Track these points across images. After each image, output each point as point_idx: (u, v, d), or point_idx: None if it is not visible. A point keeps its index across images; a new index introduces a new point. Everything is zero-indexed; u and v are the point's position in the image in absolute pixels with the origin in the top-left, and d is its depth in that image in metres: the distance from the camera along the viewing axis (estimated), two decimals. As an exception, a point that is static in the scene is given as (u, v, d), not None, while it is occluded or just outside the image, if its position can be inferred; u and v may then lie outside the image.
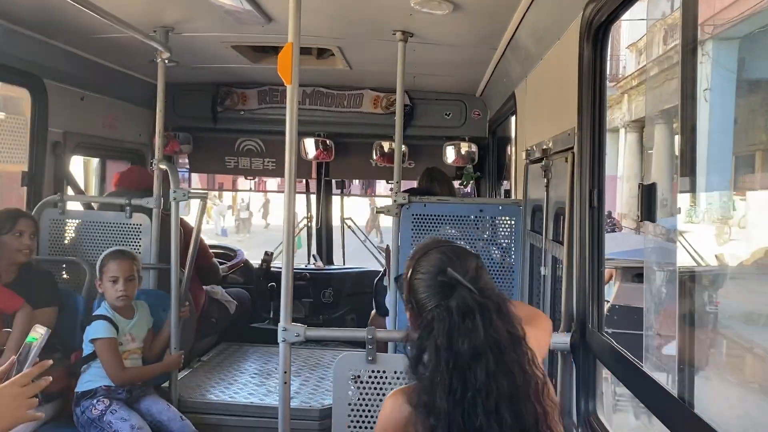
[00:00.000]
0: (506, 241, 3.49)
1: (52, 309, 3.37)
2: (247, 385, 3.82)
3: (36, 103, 3.86)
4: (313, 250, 6.02)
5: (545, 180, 2.77)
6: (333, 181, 5.96)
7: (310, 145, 5.43)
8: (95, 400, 3.01)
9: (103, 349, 3.07)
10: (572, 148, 2.26)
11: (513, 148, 4.33)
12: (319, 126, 5.35)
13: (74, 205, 3.96)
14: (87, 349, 3.15)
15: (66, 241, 3.83)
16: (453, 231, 3.50)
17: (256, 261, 5.68)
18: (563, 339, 2.22)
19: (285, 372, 2.28)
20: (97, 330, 3.09)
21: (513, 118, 4.22)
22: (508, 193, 4.82)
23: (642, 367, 1.79)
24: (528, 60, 3.27)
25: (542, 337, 1.77)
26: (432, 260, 1.60)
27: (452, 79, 4.86)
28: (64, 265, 3.81)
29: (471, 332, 1.48)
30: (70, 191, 4.18)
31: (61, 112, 4.01)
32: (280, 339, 2.28)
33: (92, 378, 3.09)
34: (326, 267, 5.92)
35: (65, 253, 3.78)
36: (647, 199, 1.61)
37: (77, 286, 3.66)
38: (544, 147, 2.77)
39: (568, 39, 2.38)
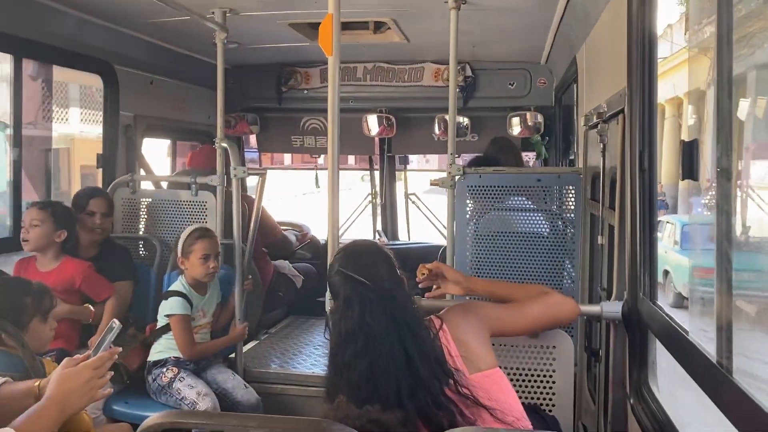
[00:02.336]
0: (569, 212, 3.38)
1: (128, 282, 3.58)
2: (310, 356, 3.92)
3: (108, 88, 4.07)
4: (378, 226, 6.06)
5: (601, 145, 2.66)
6: (396, 156, 5.97)
7: (372, 122, 5.44)
8: (165, 369, 3.18)
9: (177, 326, 3.22)
10: (623, 109, 2.15)
11: (576, 116, 4.18)
12: (381, 102, 5.35)
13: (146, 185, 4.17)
14: (161, 321, 3.32)
15: (138, 219, 4.04)
16: (523, 200, 3.42)
17: (323, 237, 5.78)
18: (614, 308, 2.14)
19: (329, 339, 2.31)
20: (172, 306, 3.24)
21: (575, 85, 4.06)
22: (572, 162, 4.67)
23: (690, 338, 1.70)
24: (586, 21, 3.13)
25: (517, 316, 2.01)
26: (336, 259, 1.92)
27: (514, 47, 4.72)
28: (141, 242, 4.03)
29: (349, 318, 1.78)
30: (142, 173, 4.40)
31: (131, 97, 4.20)
32: (327, 308, 2.31)
33: (163, 349, 3.26)
34: (391, 242, 5.95)
35: (137, 231, 3.99)
36: (689, 157, 1.52)
37: (150, 262, 3.86)
38: (600, 111, 2.65)
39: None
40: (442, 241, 5.65)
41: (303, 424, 1.21)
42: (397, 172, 6.29)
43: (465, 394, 1.74)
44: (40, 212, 3.24)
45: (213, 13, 3.59)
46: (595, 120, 2.82)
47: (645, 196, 2.00)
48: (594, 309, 2.20)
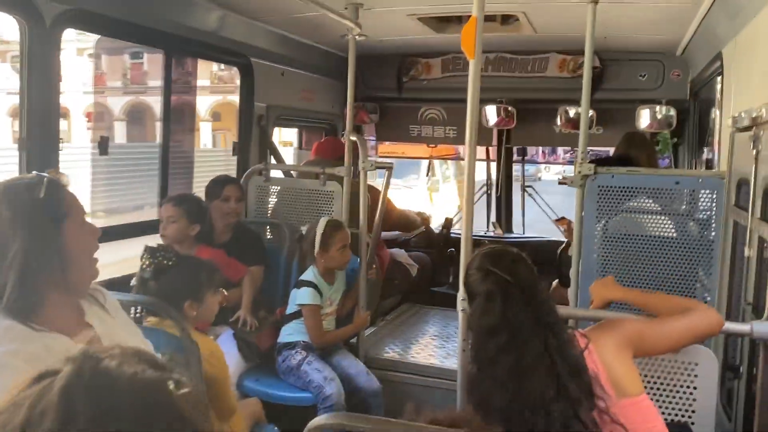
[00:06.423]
0: (705, 215, 3.21)
1: (259, 267, 3.79)
2: (427, 346, 4.00)
3: (244, 80, 4.29)
4: (492, 218, 6.02)
5: (754, 152, 2.50)
6: (514, 148, 5.88)
7: (491, 112, 5.39)
8: (294, 351, 3.36)
9: (309, 315, 3.39)
10: (788, 118, 2.01)
11: (718, 113, 3.93)
12: (501, 92, 5.28)
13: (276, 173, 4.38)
14: (292, 308, 3.49)
15: (269, 206, 4.25)
16: (649, 202, 3.29)
17: (436, 227, 5.83)
18: (765, 328, 2.03)
19: (464, 340, 2.35)
20: (304, 296, 3.41)
21: (719, 79, 3.82)
22: (709, 162, 4.40)
23: None
24: (739, 17, 2.93)
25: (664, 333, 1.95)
26: (476, 258, 1.96)
27: (649, 38, 4.50)
28: (267, 227, 4.24)
29: (490, 312, 1.79)
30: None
31: (264, 88, 4.41)
32: (459, 308, 2.35)
33: (293, 332, 3.43)
34: (505, 235, 5.90)
35: (268, 216, 4.20)
36: None
37: (278, 246, 4.06)
38: (754, 115, 2.49)
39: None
40: (559, 236, 5.54)
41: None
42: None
43: (609, 421, 1.70)
44: (175, 209, 3.41)
45: (346, 8, 3.68)
46: (746, 123, 2.65)
47: (811, 213, 1.87)
48: (743, 328, 2.09)
